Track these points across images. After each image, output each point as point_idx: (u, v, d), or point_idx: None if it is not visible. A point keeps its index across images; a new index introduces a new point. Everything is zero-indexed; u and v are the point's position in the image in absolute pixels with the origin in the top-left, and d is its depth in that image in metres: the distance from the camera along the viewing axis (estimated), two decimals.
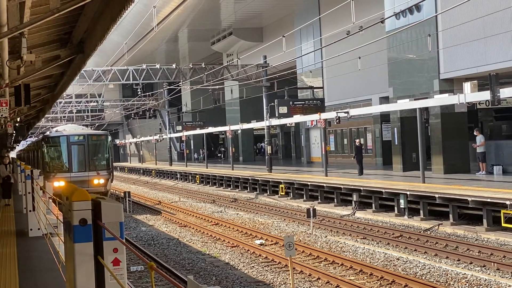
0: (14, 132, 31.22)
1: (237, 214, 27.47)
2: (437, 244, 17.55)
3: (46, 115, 54.05)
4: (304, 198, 29.63)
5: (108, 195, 27.83)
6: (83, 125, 49.96)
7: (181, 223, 25.28)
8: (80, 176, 27.37)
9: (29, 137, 67.77)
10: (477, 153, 26.73)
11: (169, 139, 65.21)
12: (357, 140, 32.82)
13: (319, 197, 28.46)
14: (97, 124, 77.65)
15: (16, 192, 21.30)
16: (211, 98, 61.66)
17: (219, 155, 69.47)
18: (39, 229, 13.50)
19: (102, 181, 27.99)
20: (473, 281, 13.13)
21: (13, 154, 65.98)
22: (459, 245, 17.02)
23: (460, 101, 22.45)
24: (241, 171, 40.96)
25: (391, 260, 15.69)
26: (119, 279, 4.29)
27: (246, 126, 43.03)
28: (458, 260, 15.41)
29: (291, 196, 30.90)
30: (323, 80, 42.40)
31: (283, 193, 31.55)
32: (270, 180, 33.52)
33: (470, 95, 22.11)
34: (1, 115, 16.02)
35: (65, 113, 72.59)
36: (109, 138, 29.67)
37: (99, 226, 4.48)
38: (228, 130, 43.63)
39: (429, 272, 14.21)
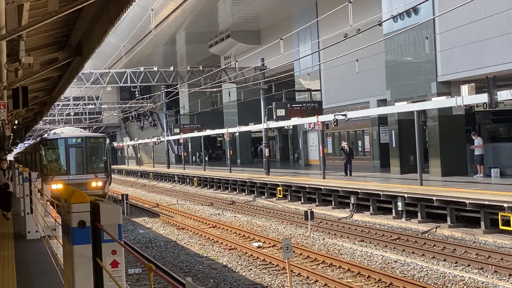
0: (12, 134, 31.18)
1: (235, 216, 27.47)
2: (434, 247, 17.56)
3: (44, 118, 54.09)
4: (302, 201, 29.65)
5: (106, 198, 27.80)
6: (81, 127, 49.92)
7: (178, 226, 25.27)
8: (78, 179, 27.30)
9: (27, 139, 67.70)
10: (474, 156, 26.77)
11: (166, 142, 65.21)
12: (346, 143, 33.70)
13: (316, 200, 28.47)
14: (94, 127, 77.62)
15: (14, 196, 21.10)
16: (209, 101, 61.68)
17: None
18: (37, 231, 13.48)
19: (100, 183, 27.93)
20: (470, 283, 13.14)
21: (10, 157, 65.91)
22: (456, 248, 17.04)
23: (457, 104, 22.46)
24: (239, 174, 40.96)
25: (388, 263, 15.70)
26: (118, 281, 4.30)
27: (244, 128, 43.07)
28: (456, 262, 15.43)
29: (289, 198, 30.91)
30: (320, 83, 42.42)
31: (281, 196, 31.56)
32: (268, 182, 33.52)
33: (467, 97, 22.12)
34: None
35: (63, 116, 72.55)
36: (107, 140, 29.62)
37: (98, 228, 4.49)
38: (226, 133, 43.64)
39: (426, 274, 14.22)
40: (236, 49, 54.56)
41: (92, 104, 69.88)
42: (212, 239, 21.14)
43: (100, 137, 29.75)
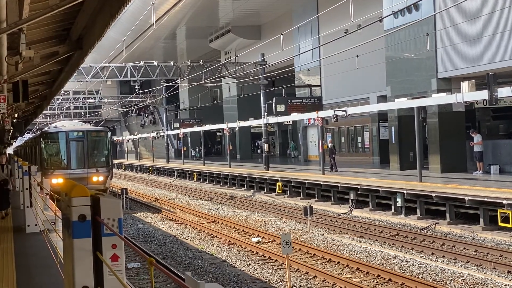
0: (12, 128, 31.13)
1: (234, 211, 27.49)
2: (433, 243, 17.58)
3: (44, 112, 54.05)
4: (301, 196, 29.66)
5: (107, 192, 27.74)
6: (81, 121, 49.90)
7: (178, 220, 25.29)
8: (79, 173, 27.11)
9: (26, 133, 67.64)
10: (474, 153, 26.78)
11: (166, 136, 65.23)
12: (330, 140, 35.29)
13: (316, 195, 28.50)
14: (94, 121, 77.58)
15: (13, 192, 20.90)
16: (208, 96, 61.64)
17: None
18: (36, 225, 13.50)
19: (101, 178, 27.69)
20: (469, 280, 13.16)
21: (10, 150, 65.88)
22: (455, 244, 17.06)
23: (457, 101, 22.48)
24: (238, 169, 40.97)
25: (387, 259, 15.72)
26: (118, 275, 4.31)
27: (243, 124, 43.05)
28: (455, 259, 15.45)
29: (288, 194, 30.93)
30: (320, 78, 42.41)
31: (280, 191, 31.57)
32: (267, 178, 33.54)
33: (467, 94, 22.14)
34: None
35: (63, 110, 72.48)
36: (109, 134, 29.43)
37: (98, 222, 4.49)
38: (226, 128, 43.64)
39: (425, 271, 14.24)
40: (237, 44, 54.52)
41: (92, 98, 69.82)
42: (211, 234, 21.16)
43: (101, 131, 29.58)
